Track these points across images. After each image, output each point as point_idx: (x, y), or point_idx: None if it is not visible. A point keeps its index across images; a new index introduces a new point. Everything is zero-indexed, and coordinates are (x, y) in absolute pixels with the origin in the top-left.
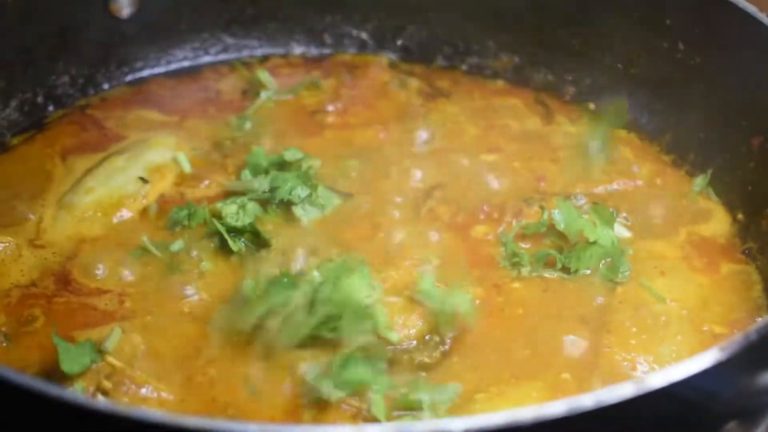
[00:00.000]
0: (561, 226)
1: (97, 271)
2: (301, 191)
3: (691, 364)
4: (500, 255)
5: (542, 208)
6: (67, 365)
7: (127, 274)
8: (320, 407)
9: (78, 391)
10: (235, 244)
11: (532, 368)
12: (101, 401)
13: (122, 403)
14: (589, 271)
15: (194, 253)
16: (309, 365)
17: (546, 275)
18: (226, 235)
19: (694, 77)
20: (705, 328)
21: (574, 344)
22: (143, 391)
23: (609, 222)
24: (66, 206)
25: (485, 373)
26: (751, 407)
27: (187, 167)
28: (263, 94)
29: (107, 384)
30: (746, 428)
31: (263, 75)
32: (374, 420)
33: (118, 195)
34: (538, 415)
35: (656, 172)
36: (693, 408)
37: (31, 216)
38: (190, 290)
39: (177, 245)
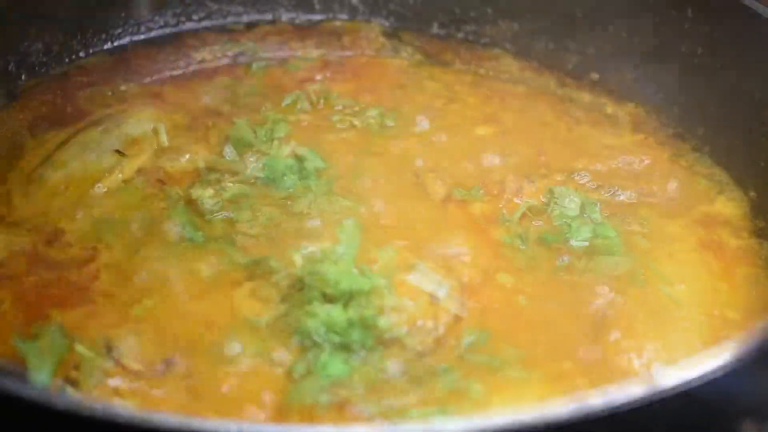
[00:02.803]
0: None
1: (71, 247)
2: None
3: (706, 361)
4: (502, 235)
5: (551, 192)
6: (36, 374)
7: (103, 249)
8: (309, 406)
9: (42, 384)
10: (201, 235)
11: (534, 356)
12: (67, 396)
13: (90, 397)
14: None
15: (171, 229)
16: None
17: (550, 262)
18: (192, 229)
19: (704, 46)
20: (716, 312)
21: (579, 330)
22: (114, 381)
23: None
24: (37, 181)
25: (484, 363)
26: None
27: (165, 140)
28: (254, 66)
29: (75, 374)
30: (762, 426)
31: (252, 46)
32: (364, 419)
33: (92, 169)
34: (541, 417)
35: (663, 147)
36: (707, 406)
37: None
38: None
39: (154, 221)
